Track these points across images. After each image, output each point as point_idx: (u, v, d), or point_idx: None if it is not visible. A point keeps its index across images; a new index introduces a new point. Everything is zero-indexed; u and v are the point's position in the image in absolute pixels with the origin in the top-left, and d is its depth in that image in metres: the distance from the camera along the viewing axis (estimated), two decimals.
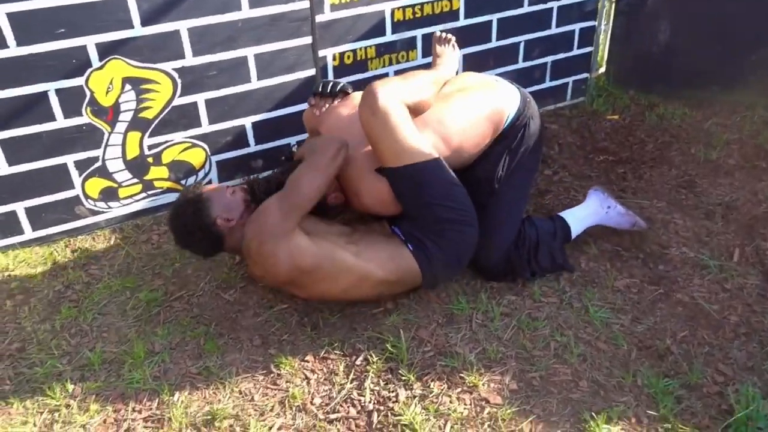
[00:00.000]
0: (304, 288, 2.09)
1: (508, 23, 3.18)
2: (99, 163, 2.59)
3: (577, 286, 2.33)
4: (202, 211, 2.07)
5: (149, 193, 2.74)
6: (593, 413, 1.84)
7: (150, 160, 2.67)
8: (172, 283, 2.44)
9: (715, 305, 2.22)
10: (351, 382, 1.99)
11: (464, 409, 1.89)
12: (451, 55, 2.47)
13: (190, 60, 2.55)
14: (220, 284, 2.43)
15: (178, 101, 2.61)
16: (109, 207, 2.70)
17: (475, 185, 2.20)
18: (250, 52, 2.64)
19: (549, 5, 3.25)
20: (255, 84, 2.71)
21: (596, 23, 3.47)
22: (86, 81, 2.42)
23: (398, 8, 2.88)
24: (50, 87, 2.38)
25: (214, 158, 2.80)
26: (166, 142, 2.67)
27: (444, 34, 2.52)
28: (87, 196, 2.63)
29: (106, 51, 2.41)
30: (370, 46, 2.90)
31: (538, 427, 1.82)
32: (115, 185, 2.66)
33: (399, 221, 2.21)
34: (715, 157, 3.07)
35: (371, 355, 2.07)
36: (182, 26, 2.48)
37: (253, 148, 2.86)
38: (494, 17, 3.13)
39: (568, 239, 2.40)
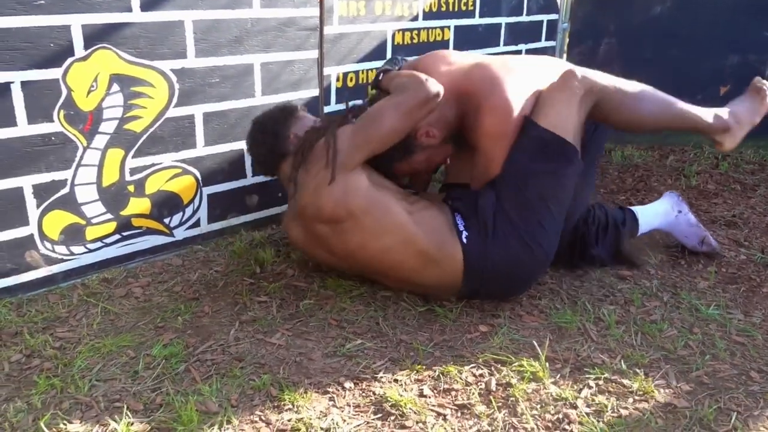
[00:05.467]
0: (341, 235, 1.83)
1: None
2: (66, 190, 1.93)
3: (665, 291, 2.11)
4: (286, 119, 1.98)
5: (124, 234, 2.09)
6: None
7: (131, 188, 2.06)
8: (188, 335, 1.80)
9: None
10: (499, 411, 1.52)
11: (657, 418, 1.50)
12: (761, 103, 2.12)
13: (191, 61, 2.07)
14: (258, 329, 1.84)
15: (173, 112, 2.08)
16: (72, 254, 2.00)
17: None
18: (256, 60, 2.22)
19: (519, 47, 3.26)
20: (259, 99, 2.28)
21: None
22: (64, 74, 1.83)
23: (399, 30, 2.68)
24: (14, 78, 1.75)
25: (206, 190, 2.24)
26: (152, 165, 2.09)
27: (765, 85, 2.13)
28: (44, 237, 1.92)
29: (94, 37, 1.86)
30: (372, 70, 2.63)
31: (750, 423, 1.49)
32: (83, 222, 1.99)
33: (465, 206, 1.93)
34: (694, 184, 3.14)
35: (506, 379, 1.62)
36: (187, 17, 2.02)
37: (249, 180, 2.35)
38: (479, 52, 3.06)
39: (635, 233, 2.24)
